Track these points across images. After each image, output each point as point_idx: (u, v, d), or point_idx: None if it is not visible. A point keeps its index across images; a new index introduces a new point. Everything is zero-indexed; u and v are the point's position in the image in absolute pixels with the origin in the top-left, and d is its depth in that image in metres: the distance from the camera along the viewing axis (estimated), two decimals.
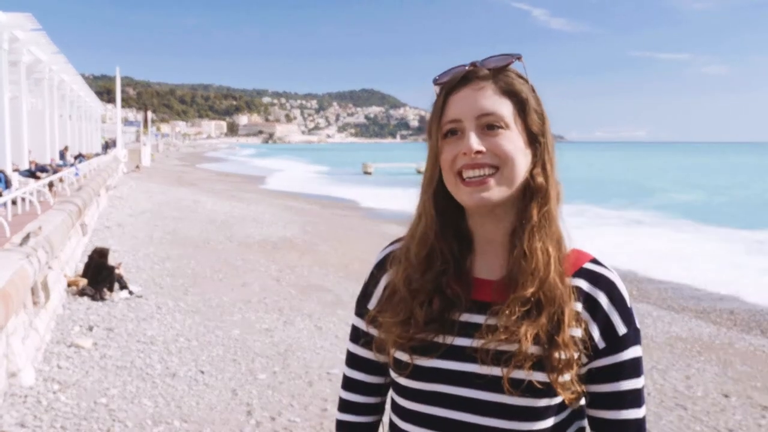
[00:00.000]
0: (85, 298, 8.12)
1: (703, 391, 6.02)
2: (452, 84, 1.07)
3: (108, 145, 42.46)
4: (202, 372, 5.90)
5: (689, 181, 44.33)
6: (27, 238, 6.79)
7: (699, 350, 7.37)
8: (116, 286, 8.42)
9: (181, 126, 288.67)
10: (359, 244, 14.42)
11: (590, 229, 18.03)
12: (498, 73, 1.07)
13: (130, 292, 8.46)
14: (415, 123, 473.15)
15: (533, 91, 1.08)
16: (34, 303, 6.42)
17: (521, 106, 1.05)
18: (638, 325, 1.08)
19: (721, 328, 8.45)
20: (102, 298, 8.12)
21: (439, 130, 1.07)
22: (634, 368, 1.06)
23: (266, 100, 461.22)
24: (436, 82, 1.11)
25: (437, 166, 1.08)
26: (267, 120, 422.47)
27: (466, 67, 1.08)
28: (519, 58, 1.07)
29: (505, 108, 1.04)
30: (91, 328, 6.97)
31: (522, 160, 1.04)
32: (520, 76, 1.08)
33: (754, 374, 6.63)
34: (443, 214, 1.10)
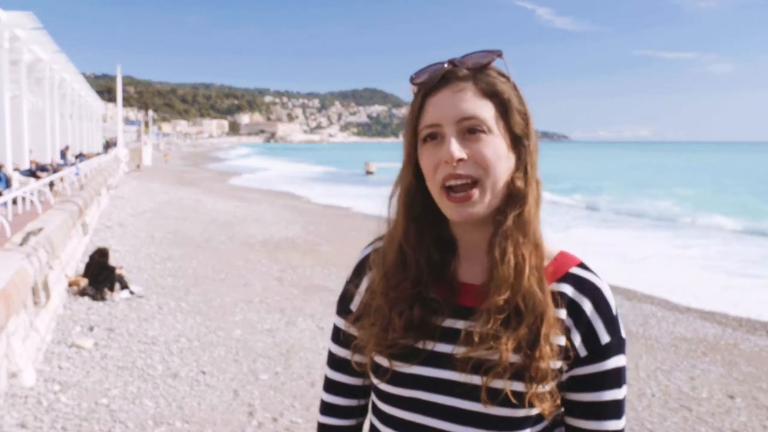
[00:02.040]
0: (86, 298, 8.11)
1: (708, 392, 6.00)
2: (430, 85, 1.03)
3: (109, 145, 42.52)
4: (204, 372, 5.89)
5: (684, 182, 44.32)
6: (28, 237, 6.78)
7: (704, 351, 7.34)
8: (117, 286, 8.41)
9: (182, 125, 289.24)
10: (362, 244, 14.34)
11: (585, 229, 18.14)
12: (478, 72, 1.02)
13: (131, 292, 8.45)
14: None
15: (515, 89, 1.04)
16: (35, 303, 6.42)
17: (503, 108, 1.02)
18: (624, 335, 1.05)
19: (726, 329, 8.40)
20: (103, 298, 8.11)
21: (417, 134, 1.04)
22: (616, 378, 1.04)
23: (268, 99, 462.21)
24: (413, 81, 1.06)
25: (413, 172, 1.05)
26: (269, 119, 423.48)
27: (445, 65, 1.03)
28: (500, 54, 1.03)
29: (486, 111, 1.00)
30: (92, 329, 6.96)
31: (504, 166, 1.01)
32: (502, 75, 1.04)
33: (759, 375, 6.59)
34: (420, 222, 1.07)
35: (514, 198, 1.02)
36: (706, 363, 6.90)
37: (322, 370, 6.04)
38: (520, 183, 1.02)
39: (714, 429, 5.18)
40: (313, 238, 15.03)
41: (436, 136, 1.01)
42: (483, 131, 1.00)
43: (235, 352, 6.52)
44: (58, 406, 4.95)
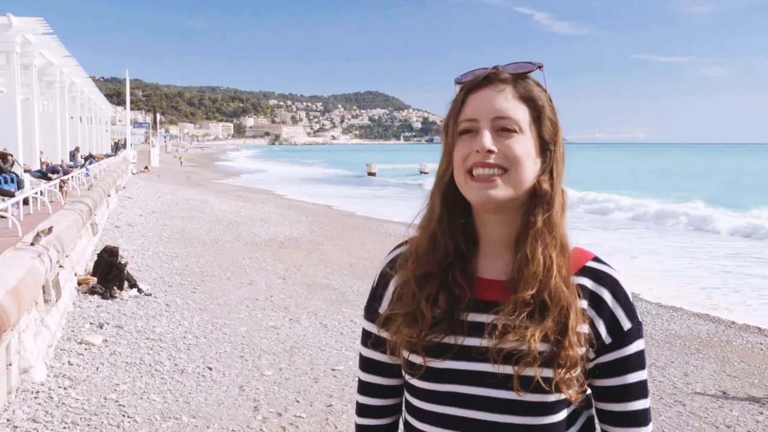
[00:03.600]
0: (96, 296, 8.21)
1: (701, 388, 6.09)
2: (473, 84, 1.09)
3: (117, 147, 42.79)
4: (210, 368, 5.97)
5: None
6: (38, 237, 6.86)
7: (697, 347, 7.43)
8: (126, 284, 8.54)
9: (189, 128, 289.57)
10: (364, 244, 14.53)
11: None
12: (518, 78, 1.09)
13: (140, 290, 8.57)
14: (418, 125, 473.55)
15: (550, 101, 1.11)
16: (46, 301, 6.48)
17: (537, 113, 1.08)
18: (640, 319, 1.12)
19: (719, 326, 8.49)
20: (112, 296, 8.22)
21: (456, 127, 1.10)
22: (639, 361, 1.10)
23: (272, 102, 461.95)
24: (457, 81, 1.13)
25: (450, 162, 1.10)
26: (273, 122, 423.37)
27: (489, 69, 1.11)
28: (540, 67, 1.10)
29: (521, 113, 1.06)
30: (101, 326, 7.04)
31: (531, 165, 1.07)
32: (539, 85, 1.11)
33: (751, 371, 6.67)
34: (451, 210, 1.13)
35: (541, 199, 1.08)
36: (699, 359, 6.98)
37: (325, 366, 6.16)
38: (546, 186, 1.08)
39: (707, 424, 5.26)
40: (316, 237, 15.15)
41: (471, 131, 1.07)
42: (515, 131, 1.05)
43: (240, 348, 6.62)
44: (68, 401, 5.01)
